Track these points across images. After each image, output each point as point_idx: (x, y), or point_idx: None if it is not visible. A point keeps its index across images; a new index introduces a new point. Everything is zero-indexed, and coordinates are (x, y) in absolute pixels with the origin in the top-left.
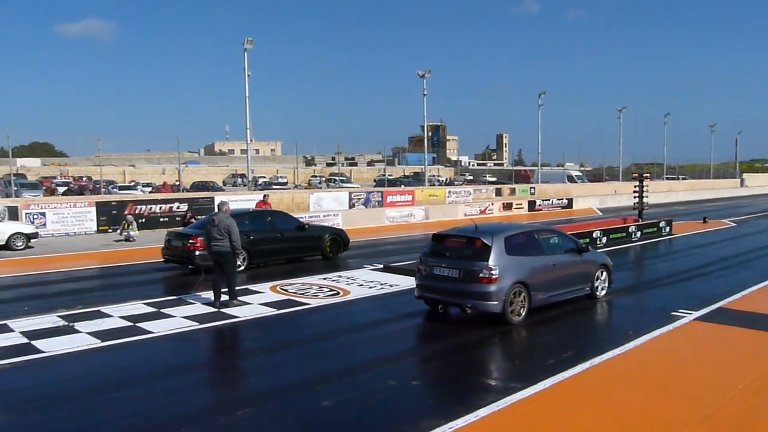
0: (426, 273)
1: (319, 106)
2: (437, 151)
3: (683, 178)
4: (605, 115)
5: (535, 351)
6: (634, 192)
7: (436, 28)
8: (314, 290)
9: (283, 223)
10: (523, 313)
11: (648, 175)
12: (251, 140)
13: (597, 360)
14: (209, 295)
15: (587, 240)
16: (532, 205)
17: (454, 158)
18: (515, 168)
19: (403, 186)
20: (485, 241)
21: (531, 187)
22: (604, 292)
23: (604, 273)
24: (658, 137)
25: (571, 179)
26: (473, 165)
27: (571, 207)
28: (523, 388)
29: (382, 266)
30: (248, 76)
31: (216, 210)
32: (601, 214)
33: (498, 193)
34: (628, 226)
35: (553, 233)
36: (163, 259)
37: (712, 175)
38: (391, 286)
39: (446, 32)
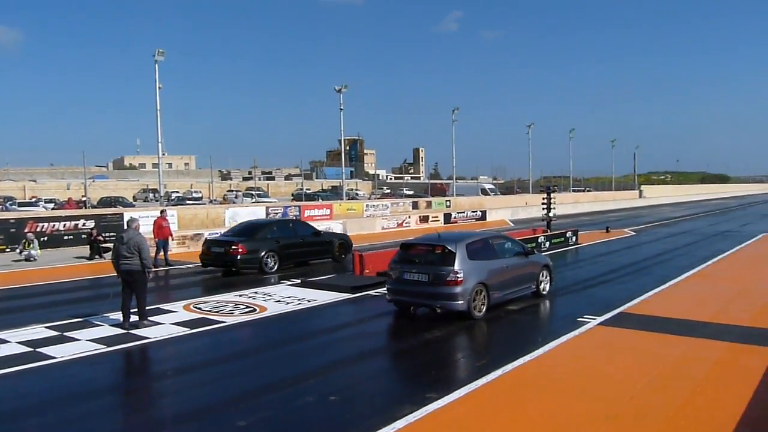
0: (396, 278)
1: (235, 119)
2: (355, 165)
3: (588, 190)
4: (516, 130)
5: (450, 360)
6: (543, 204)
7: (355, 42)
8: (230, 308)
9: (303, 230)
10: (484, 309)
11: (555, 187)
12: (164, 153)
13: (509, 367)
14: (117, 315)
15: (533, 245)
16: (447, 217)
17: (371, 172)
18: (431, 181)
19: (320, 200)
20: (450, 248)
21: (447, 200)
22: (547, 290)
23: (547, 273)
24: (564, 151)
25: (484, 192)
26: (391, 179)
27: (485, 219)
28: (439, 397)
29: (299, 281)
30: (159, 88)
31: (125, 227)
32: (513, 225)
33: (415, 206)
34: (538, 237)
35: (504, 239)
36: (201, 264)
37: (614, 187)
38: (309, 301)
39: (366, 47)
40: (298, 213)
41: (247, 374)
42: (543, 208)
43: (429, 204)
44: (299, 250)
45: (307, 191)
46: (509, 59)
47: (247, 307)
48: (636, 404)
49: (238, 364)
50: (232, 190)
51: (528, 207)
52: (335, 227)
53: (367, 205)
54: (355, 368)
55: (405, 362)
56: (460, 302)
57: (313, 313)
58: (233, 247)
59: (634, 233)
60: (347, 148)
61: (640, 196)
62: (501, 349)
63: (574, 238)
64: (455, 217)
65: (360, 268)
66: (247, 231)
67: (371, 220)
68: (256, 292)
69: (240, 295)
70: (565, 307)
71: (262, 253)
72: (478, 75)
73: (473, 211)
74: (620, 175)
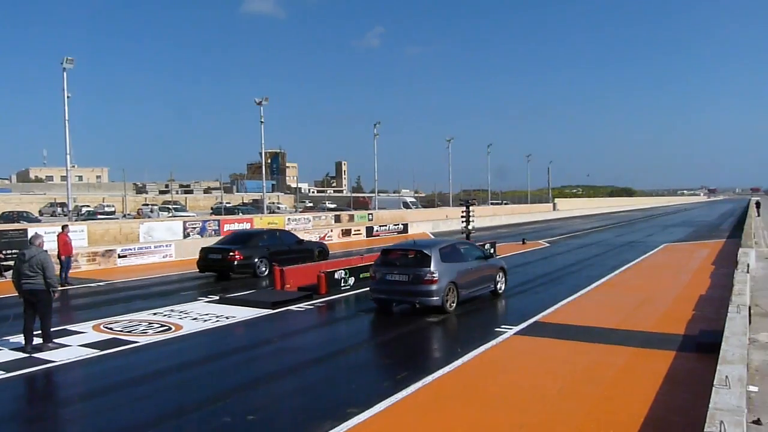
0: (379, 279)
1: (151, 131)
2: (277, 178)
3: (505, 203)
4: (438, 144)
5: (370, 374)
6: (462, 216)
7: (277, 55)
8: (143, 327)
9: (288, 239)
10: (454, 305)
11: (474, 201)
12: (73, 165)
13: (429, 378)
14: (19, 339)
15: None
16: (370, 230)
17: (294, 185)
18: (354, 195)
19: (241, 214)
20: (426, 252)
21: (369, 214)
22: (503, 289)
23: (502, 275)
24: (483, 165)
25: (406, 205)
26: (313, 192)
27: (407, 232)
28: (360, 412)
29: (218, 297)
30: (68, 97)
31: (29, 243)
32: (433, 238)
33: (337, 219)
34: None
35: (468, 245)
36: (199, 270)
37: (530, 201)
38: (227, 318)
39: (288, 60)
40: (217, 227)
41: (161, 396)
42: (462, 221)
43: (351, 217)
44: (286, 257)
45: (227, 205)
46: (431, 74)
47: (162, 325)
48: (548, 411)
49: (151, 386)
50: (148, 204)
51: (448, 220)
52: None
53: (288, 219)
54: (274, 386)
55: (326, 377)
56: (435, 298)
57: (232, 330)
58: (231, 253)
59: (548, 245)
60: (269, 161)
61: (554, 209)
62: (421, 360)
63: (492, 250)
64: (377, 231)
65: (281, 282)
66: (241, 239)
67: None
68: (172, 310)
69: (155, 314)
70: (484, 317)
71: (256, 259)
72: (400, 89)
73: (395, 224)
74: (535, 189)
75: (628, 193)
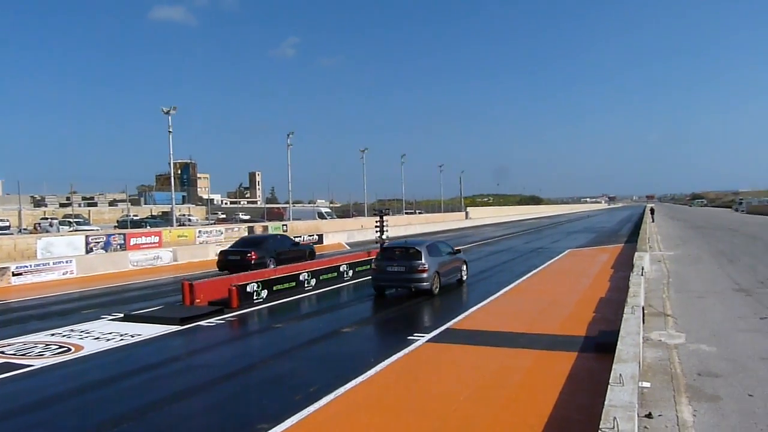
0: (380, 270)
1: (50, 141)
2: (188, 189)
3: (420, 213)
4: (353, 154)
5: (283, 387)
6: (377, 226)
7: (188, 62)
8: (39, 349)
9: (288, 243)
10: (438, 289)
11: (389, 210)
12: None
13: (342, 390)
14: None
15: (335, 274)
16: None
17: (206, 197)
18: (268, 206)
19: (149, 227)
20: (418, 249)
21: (284, 225)
22: (465, 277)
23: (465, 267)
24: (397, 175)
25: (321, 216)
26: (226, 203)
27: (322, 242)
28: (271, 428)
29: (122, 315)
30: None
31: None
32: (349, 248)
33: (251, 231)
34: (371, 259)
35: (443, 243)
36: (218, 269)
37: (443, 210)
38: (132, 336)
39: (199, 68)
40: (123, 241)
41: (59, 422)
42: (376, 231)
43: (265, 229)
44: (287, 257)
45: (135, 218)
46: (346, 85)
47: (61, 346)
48: (459, 416)
49: (48, 411)
50: (47, 218)
51: (364, 230)
52: (164, 255)
53: (199, 231)
54: (182, 405)
55: (236, 393)
56: (426, 284)
57: (137, 348)
58: (248, 254)
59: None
60: (179, 171)
61: (467, 218)
62: (333, 371)
63: None
64: None
65: (190, 297)
66: (253, 243)
67: (204, 247)
68: (72, 330)
69: (52, 334)
70: (397, 326)
71: (267, 259)
72: (315, 100)
73: (310, 235)
74: (448, 198)
75: (535, 201)
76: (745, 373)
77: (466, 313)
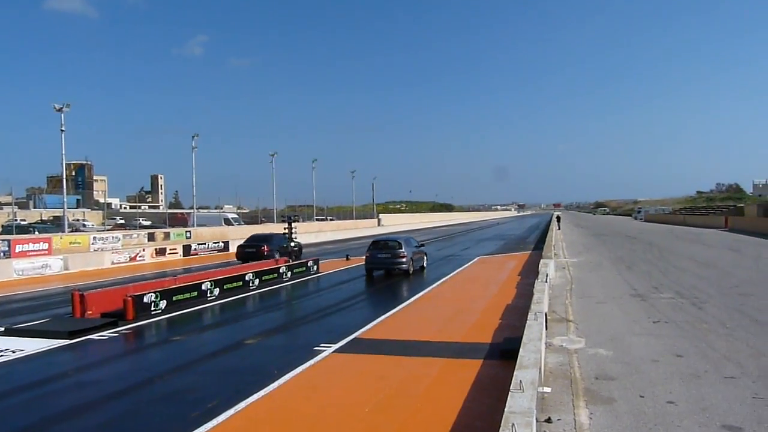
0: (372, 257)
1: None
2: (83, 192)
3: (331, 219)
4: (261, 159)
5: (179, 403)
6: (285, 233)
7: (85, 58)
8: None
9: (284, 240)
10: (412, 270)
11: (298, 217)
12: None
13: (242, 405)
14: None
15: (240, 283)
16: (187, 249)
17: (102, 200)
18: (171, 211)
19: (38, 233)
20: (399, 241)
21: (187, 231)
22: (425, 265)
23: (426, 256)
24: (308, 181)
25: (228, 222)
26: (126, 208)
27: (228, 250)
28: None
29: (2, 329)
30: None
31: None
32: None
33: (151, 237)
34: (279, 267)
35: (413, 239)
36: (237, 259)
37: (355, 216)
38: (14, 352)
39: (98, 64)
40: (7, 248)
41: None
42: (285, 237)
43: (167, 235)
44: (285, 251)
45: (22, 222)
46: (255, 87)
47: None
48: (364, 427)
49: None
50: None
51: None
52: (54, 264)
53: (94, 238)
54: (70, 424)
55: (129, 411)
56: (405, 266)
57: (18, 365)
58: (262, 248)
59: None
60: (73, 173)
61: (379, 224)
62: (234, 385)
63: (315, 267)
64: (195, 249)
65: (81, 309)
66: (264, 239)
67: (99, 255)
68: None
69: None
70: (304, 336)
71: (274, 252)
72: (223, 101)
73: (215, 242)
74: (360, 205)
75: (447, 208)
76: (638, 375)
77: (375, 322)
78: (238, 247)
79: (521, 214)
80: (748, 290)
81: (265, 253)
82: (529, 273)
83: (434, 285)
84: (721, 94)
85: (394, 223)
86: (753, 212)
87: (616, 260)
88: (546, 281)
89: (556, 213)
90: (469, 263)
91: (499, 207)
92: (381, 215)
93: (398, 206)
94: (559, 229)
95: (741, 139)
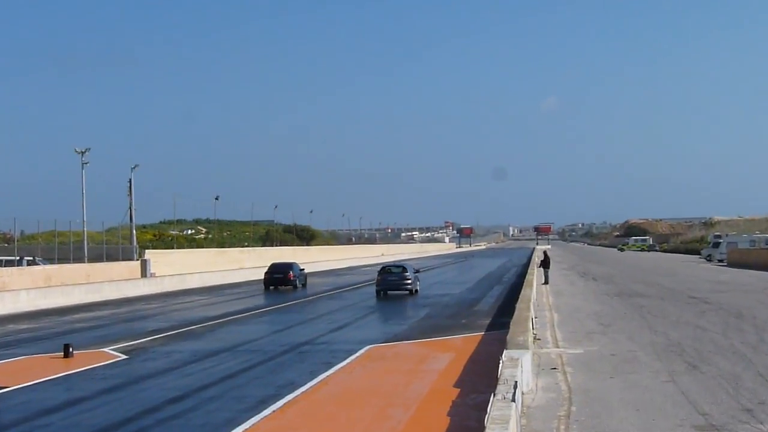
0: (383, 280)
1: None
2: None
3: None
4: None
5: None
6: None
7: None
8: None
9: (299, 268)
10: (416, 290)
11: None
12: None
13: None
14: None
15: None
16: None
17: None
18: None
19: None
20: (405, 267)
21: None
22: (418, 288)
23: (418, 281)
24: None
25: None
26: None
27: None
28: None
29: None
30: None
31: None
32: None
33: None
34: None
35: (410, 265)
36: (265, 286)
37: (72, 255)
38: None
39: None
40: None
41: None
42: None
43: None
44: (304, 277)
45: None
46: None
47: None
48: None
49: None
50: None
51: None
52: None
53: None
54: None
55: None
56: (410, 286)
57: None
58: (289, 274)
59: (123, 356)
60: None
61: (145, 275)
62: None
63: None
64: None
65: None
66: (288, 267)
67: None
68: None
69: None
70: None
71: (297, 278)
72: None
73: None
74: (106, 228)
75: (303, 236)
76: None
77: None
78: (266, 273)
79: (466, 249)
80: None
81: (291, 278)
82: (478, 382)
83: (261, 415)
84: None
85: (182, 270)
86: None
87: (666, 350)
88: (513, 399)
89: (541, 247)
90: (346, 361)
91: (416, 234)
92: (149, 252)
93: (197, 230)
94: (545, 282)
95: None
